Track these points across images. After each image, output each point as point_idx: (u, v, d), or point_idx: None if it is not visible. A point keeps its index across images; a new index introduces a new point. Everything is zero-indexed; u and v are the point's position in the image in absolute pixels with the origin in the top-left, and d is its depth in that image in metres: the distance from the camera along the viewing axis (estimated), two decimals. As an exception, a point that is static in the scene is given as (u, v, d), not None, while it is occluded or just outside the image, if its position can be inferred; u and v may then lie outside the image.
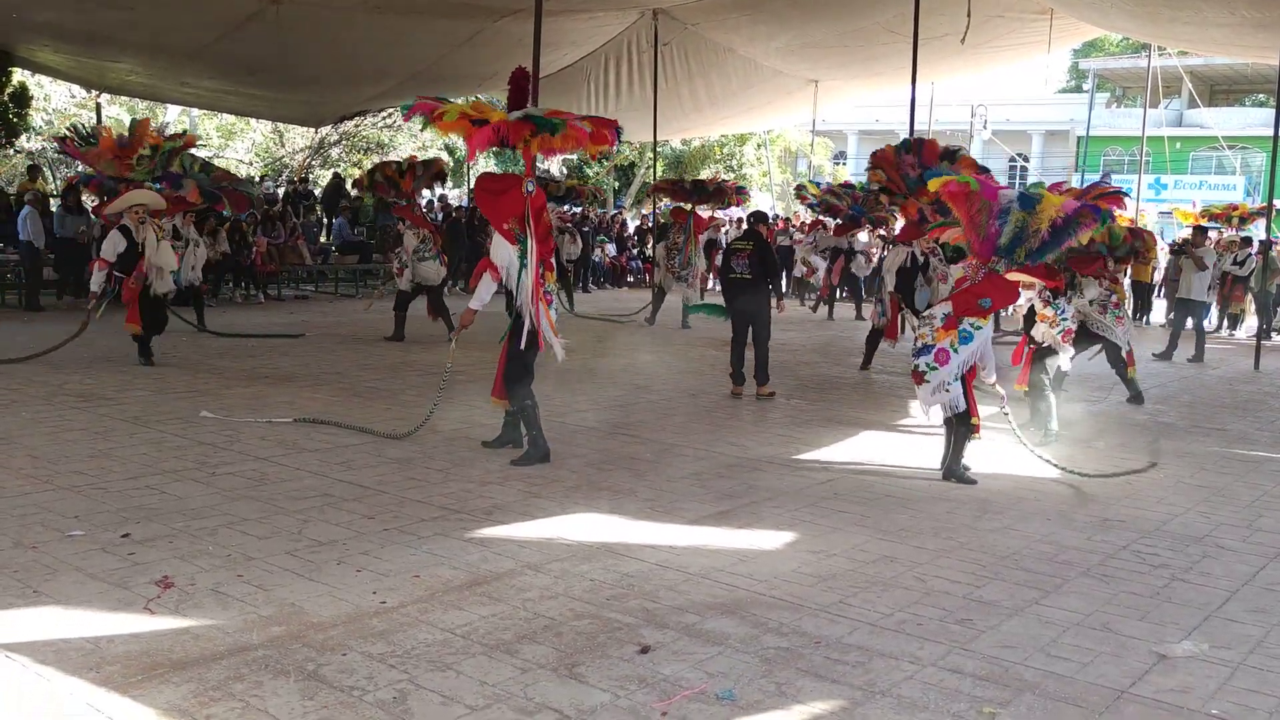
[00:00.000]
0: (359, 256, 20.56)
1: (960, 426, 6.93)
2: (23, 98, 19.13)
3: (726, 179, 18.28)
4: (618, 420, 8.54)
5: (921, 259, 11.16)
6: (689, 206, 15.61)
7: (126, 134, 10.93)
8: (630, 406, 9.22)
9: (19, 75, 19.04)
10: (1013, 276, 6.94)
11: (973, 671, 3.86)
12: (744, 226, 10.44)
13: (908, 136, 11.07)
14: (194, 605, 4.24)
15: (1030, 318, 8.27)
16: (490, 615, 4.24)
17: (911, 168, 10.62)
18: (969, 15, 14.14)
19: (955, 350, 6.75)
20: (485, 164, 30.81)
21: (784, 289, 10.52)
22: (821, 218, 18.34)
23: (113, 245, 9.63)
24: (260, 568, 4.71)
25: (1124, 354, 9.95)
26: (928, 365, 6.81)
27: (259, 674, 3.63)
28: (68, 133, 11.03)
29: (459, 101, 6.74)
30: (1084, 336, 10.05)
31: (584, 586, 4.62)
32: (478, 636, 4.02)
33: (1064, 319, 8.24)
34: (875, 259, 17.75)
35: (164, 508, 5.59)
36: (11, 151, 23.93)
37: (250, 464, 6.64)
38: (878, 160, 10.88)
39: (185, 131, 10.89)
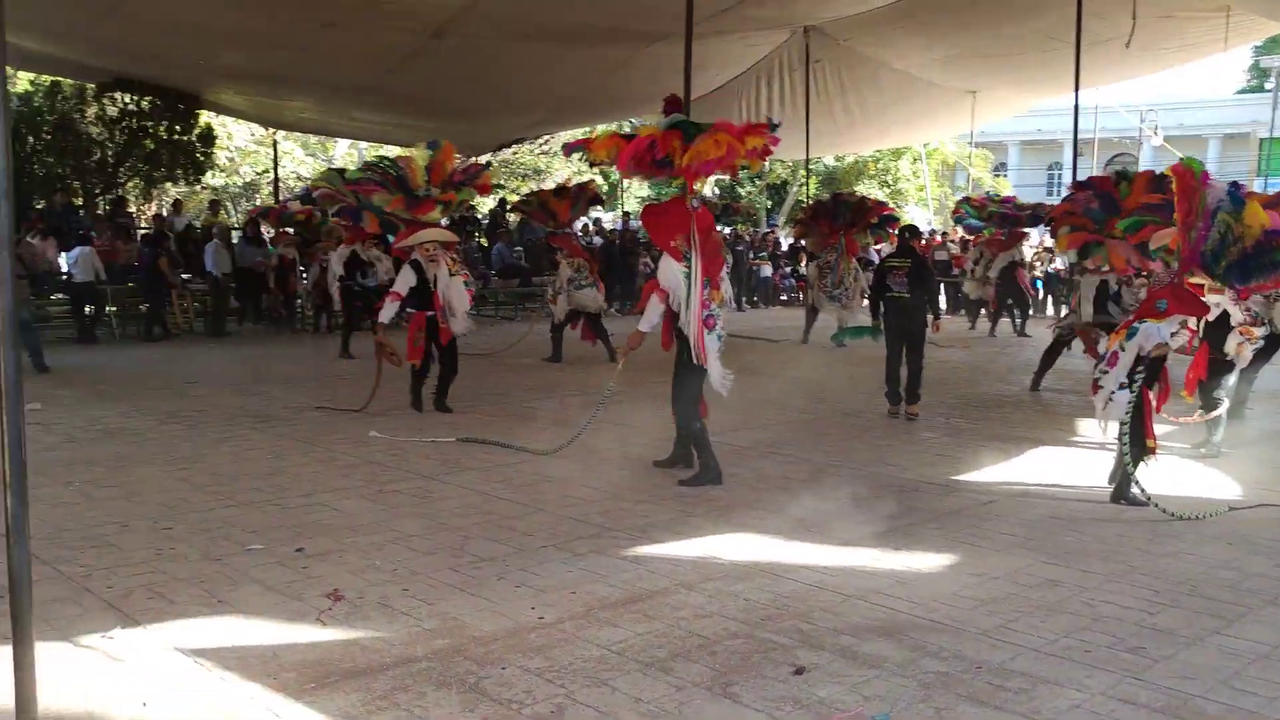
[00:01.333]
0: (519, 280, 21.04)
1: (1133, 447, 6.62)
2: (209, 137, 20.40)
3: (868, 197, 17.89)
4: (772, 440, 8.50)
5: (1115, 288, 10.59)
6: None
7: (426, 165, 9.73)
8: (784, 426, 9.16)
9: (205, 117, 20.30)
10: (1198, 282, 6.59)
11: (1147, 703, 3.68)
12: (899, 243, 10.17)
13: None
14: (362, 617, 4.41)
15: (1219, 327, 7.80)
16: (645, 633, 4.27)
17: (1090, 201, 10.21)
18: (1134, 18, 13.59)
19: (1123, 349, 6.50)
20: (640, 190, 31.15)
21: (940, 307, 10.15)
22: (992, 233, 17.65)
23: (405, 280, 9.16)
24: (424, 582, 4.86)
25: None
26: (1101, 371, 6.61)
27: (423, 685, 3.75)
28: (362, 172, 10.07)
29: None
30: (1264, 355, 9.50)
31: (738, 606, 4.61)
32: (633, 654, 4.06)
33: (1264, 336, 7.82)
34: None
35: (335, 524, 5.84)
36: (199, 188, 25.48)
37: (415, 482, 6.87)
38: (1061, 220, 10.45)
39: (489, 164, 10.17)
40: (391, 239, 14.44)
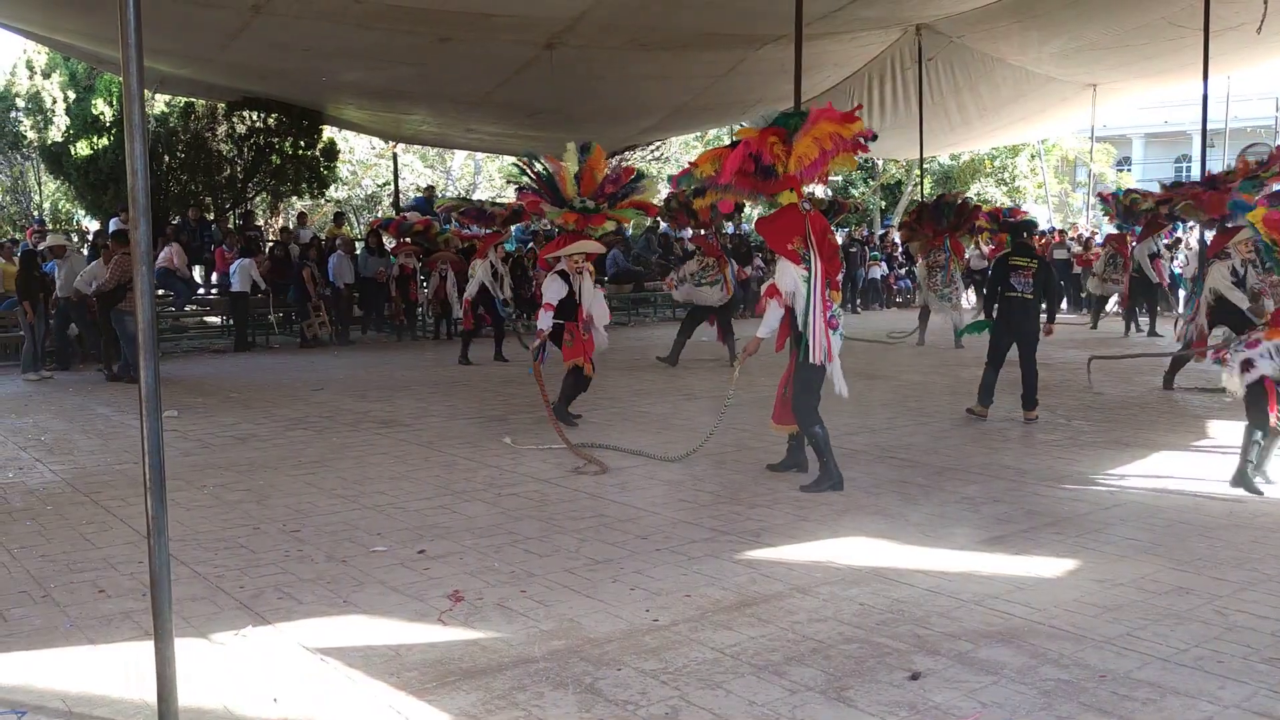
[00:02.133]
0: (633, 285, 21.18)
1: (1255, 428, 6.40)
2: (331, 152, 21.06)
3: (969, 198, 17.47)
4: (888, 443, 8.38)
5: (1241, 270, 10.22)
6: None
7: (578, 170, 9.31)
8: (901, 430, 9.03)
9: (328, 132, 20.97)
10: None
11: (1283, 715, 3.53)
12: (1019, 241, 9.82)
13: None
14: (481, 618, 4.50)
15: None
16: (759, 636, 4.26)
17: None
18: (1266, 2, 13.00)
19: (1274, 353, 6.36)
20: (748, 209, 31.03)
21: (1056, 310, 9.82)
22: (1119, 235, 17.08)
23: (555, 290, 8.84)
24: (541, 584, 4.94)
25: None
26: (1235, 349, 6.48)
27: (540, 685, 3.81)
28: (528, 178, 9.60)
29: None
30: None
31: (853, 610, 4.56)
32: (747, 657, 4.05)
33: None
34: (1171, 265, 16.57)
35: (455, 526, 5.97)
36: (323, 200, 26.31)
37: (532, 486, 6.98)
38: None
39: (641, 175, 9.74)
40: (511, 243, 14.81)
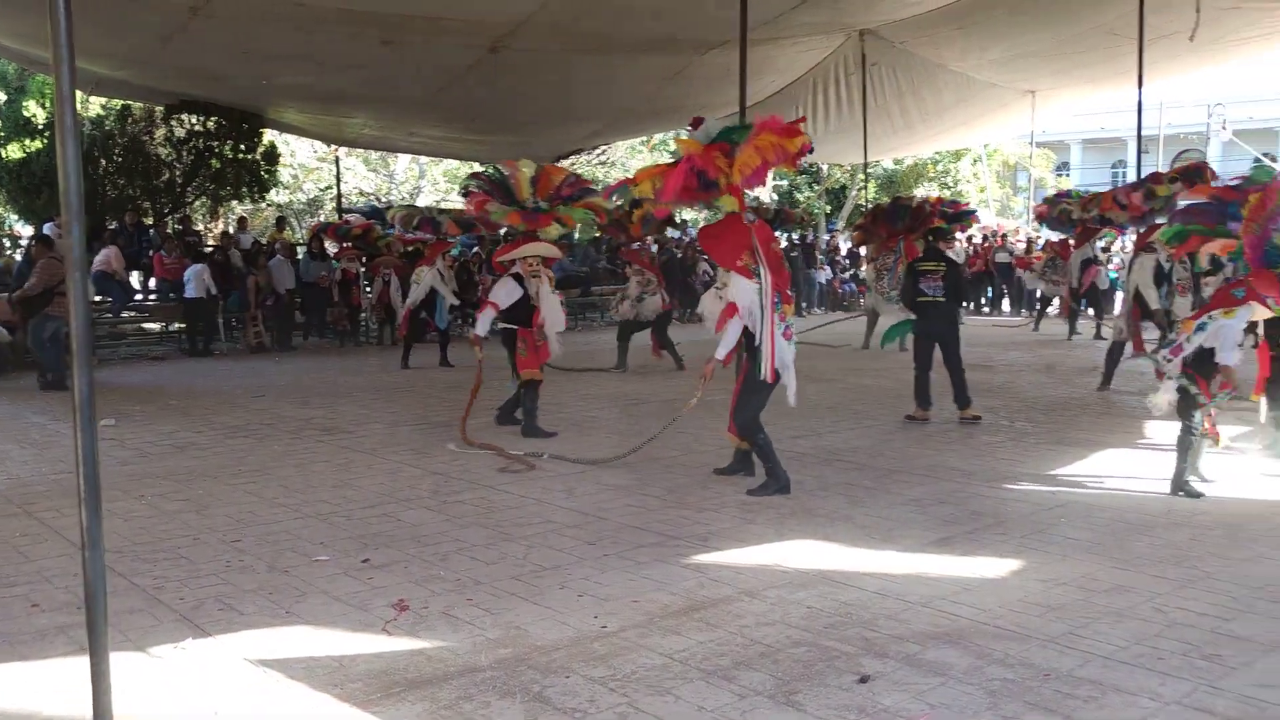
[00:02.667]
0: (580, 290, 21.13)
1: (1189, 435, 6.56)
2: (272, 155, 20.79)
3: (928, 198, 17.72)
4: (834, 446, 8.44)
5: (1168, 265, 10.47)
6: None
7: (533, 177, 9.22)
8: (847, 432, 9.10)
9: (269, 135, 20.70)
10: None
11: (1223, 712, 3.59)
12: (926, 245, 9.99)
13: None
14: (427, 627, 4.46)
15: (1277, 322, 7.62)
16: (707, 641, 4.26)
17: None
18: (1198, 11, 13.30)
19: (1188, 341, 6.55)
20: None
21: (967, 308, 10.06)
22: (1061, 239, 17.38)
23: (505, 292, 8.71)
24: (488, 592, 4.90)
25: None
26: (1164, 358, 6.66)
27: (487, 694, 3.77)
28: (472, 187, 9.39)
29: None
30: None
31: (801, 614, 4.58)
32: (695, 662, 4.05)
33: None
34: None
35: (399, 534, 5.90)
36: (264, 205, 25.97)
37: (478, 492, 6.92)
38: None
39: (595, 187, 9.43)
40: (455, 251, 14.70)
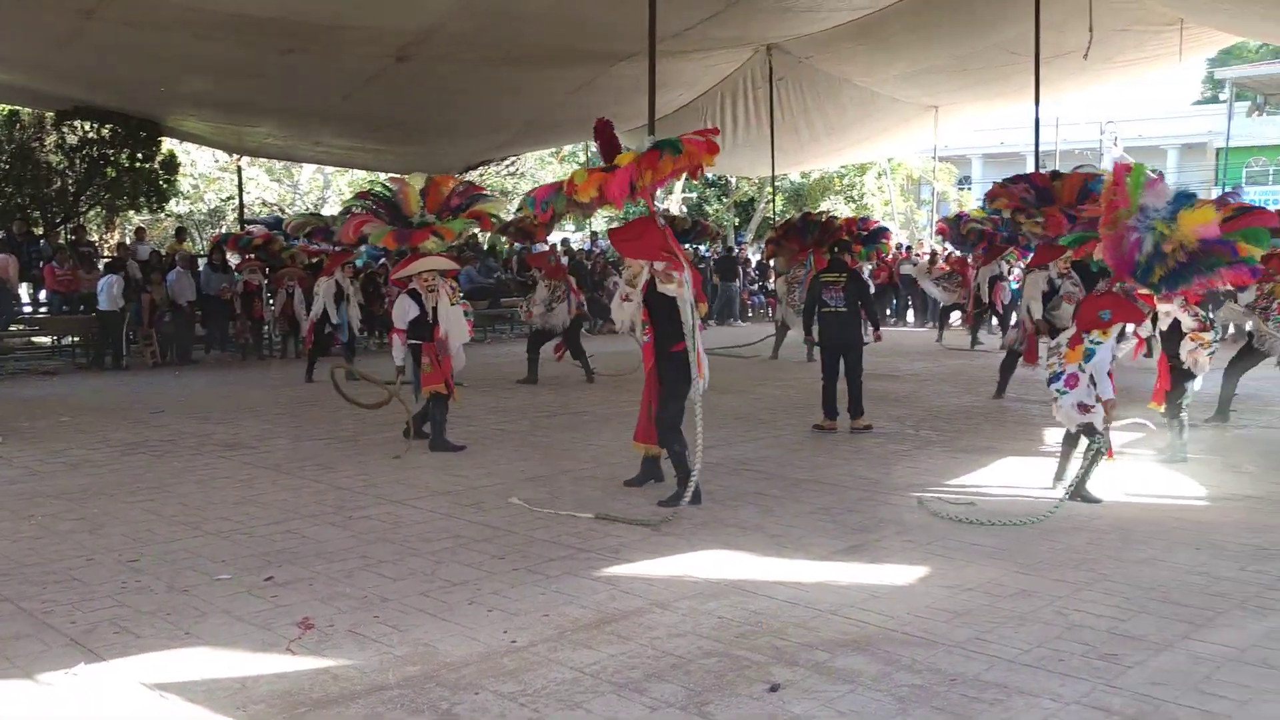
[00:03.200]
0: (488, 301, 20.98)
1: (1091, 446, 6.77)
2: (171, 164, 20.25)
3: (835, 215, 18.09)
4: (744, 456, 8.50)
5: (1058, 281, 10.80)
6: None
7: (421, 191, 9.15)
8: (757, 442, 9.17)
9: (167, 144, 20.17)
10: (1147, 291, 6.75)
11: (1120, 710, 3.69)
12: (830, 257, 10.16)
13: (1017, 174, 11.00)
14: (333, 646, 4.36)
15: (1173, 335, 7.92)
16: (619, 654, 4.25)
17: (1026, 192, 10.51)
18: (1091, 31, 13.78)
19: (1082, 370, 6.71)
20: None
21: (877, 318, 10.16)
22: (959, 257, 17.82)
23: (405, 312, 8.64)
24: (395, 608, 4.82)
25: None
26: (1059, 391, 6.83)
27: (395, 712, 3.71)
28: (366, 203, 9.30)
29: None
30: (1245, 358, 9.66)
31: (712, 624, 4.59)
32: (606, 675, 4.03)
33: (1216, 342, 7.93)
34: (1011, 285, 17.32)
35: (304, 551, 5.78)
36: (162, 215, 25.29)
37: (385, 508, 6.82)
38: (996, 191, 10.81)
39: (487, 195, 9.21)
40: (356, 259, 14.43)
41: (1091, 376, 6.67)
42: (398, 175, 9.10)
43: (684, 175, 6.75)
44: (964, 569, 5.40)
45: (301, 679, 4.02)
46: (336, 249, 13.40)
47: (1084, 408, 6.73)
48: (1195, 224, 6.26)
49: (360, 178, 33.12)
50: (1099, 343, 6.68)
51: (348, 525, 6.36)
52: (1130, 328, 7.06)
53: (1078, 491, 6.82)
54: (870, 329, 10.09)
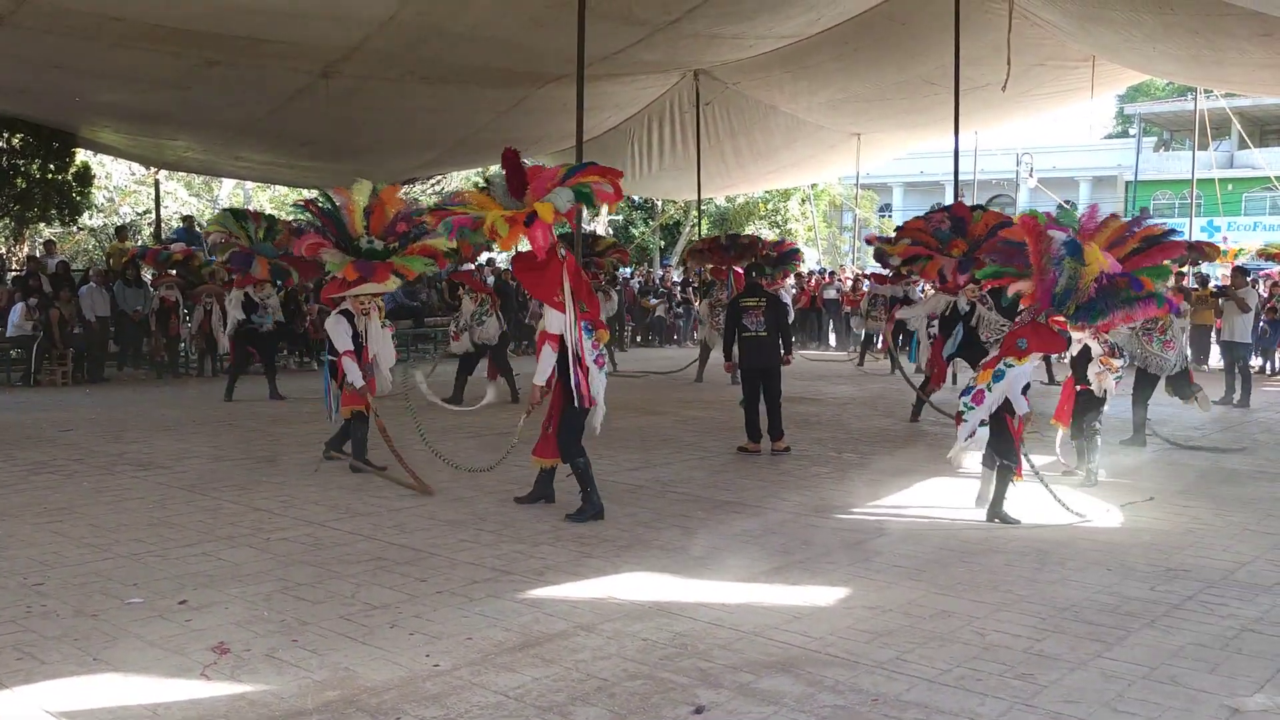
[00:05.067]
0: (412, 321, 20.76)
1: (1001, 466, 6.99)
2: (85, 176, 19.73)
3: (762, 238, 18.38)
4: (668, 478, 8.52)
5: (966, 307, 11.01)
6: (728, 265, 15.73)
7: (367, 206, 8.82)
8: (681, 464, 9.20)
9: (81, 155, 19.67)
10: (1061, 319, 7.10)
11: (1036, 728, 3.76)
12: (747, 281, 10.28)
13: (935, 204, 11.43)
14: (249, 671, 4.27)
15: (1082, 360, 8.15)
16: (543, 677, 4.22)
17: (942, 222, 10.87)
18: (1009, 64, 14.16)
19: (989, 389, 6.98)
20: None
21: (791, 342, 10.32)
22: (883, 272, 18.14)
23: (342, 334, 8.45)
24: (314, 632, 4.73)
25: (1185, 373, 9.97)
26: (965, 405, 7.10)
27: (313, 739, 3.63)
28: (297, 221, 9.14)
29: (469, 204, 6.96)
30: (1144, 382, 9.98)
31: (637, 646, 4.58)
32: (531, 699, 4.00)
33: (1123, 367, 8.24)
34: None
35: (220, 574, 5.65)
36: (75, 228, 24.62)
37: (304, 529, 6.70)
38: (905, 231, 11.25)
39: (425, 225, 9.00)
40: (279, 283, 14.18)
41: (996, 398, 6.96)
42: (340, 188, 8.69)
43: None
44: (885, 590, 5.46)
45: (217, 705, 3.92)
46: (244, 274, 13.09)
47: (958, 418, 7.16)
48: (1100, 260, 6.83)
49: (281, 194, 32.71)
50: (1012, 366, 6.97)
51: (266, 547, 6.24)
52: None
53: (994, 513, 7.01)
54: (785, 351, 10.16)
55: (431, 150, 20.03)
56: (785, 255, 16.20)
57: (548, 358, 6.92)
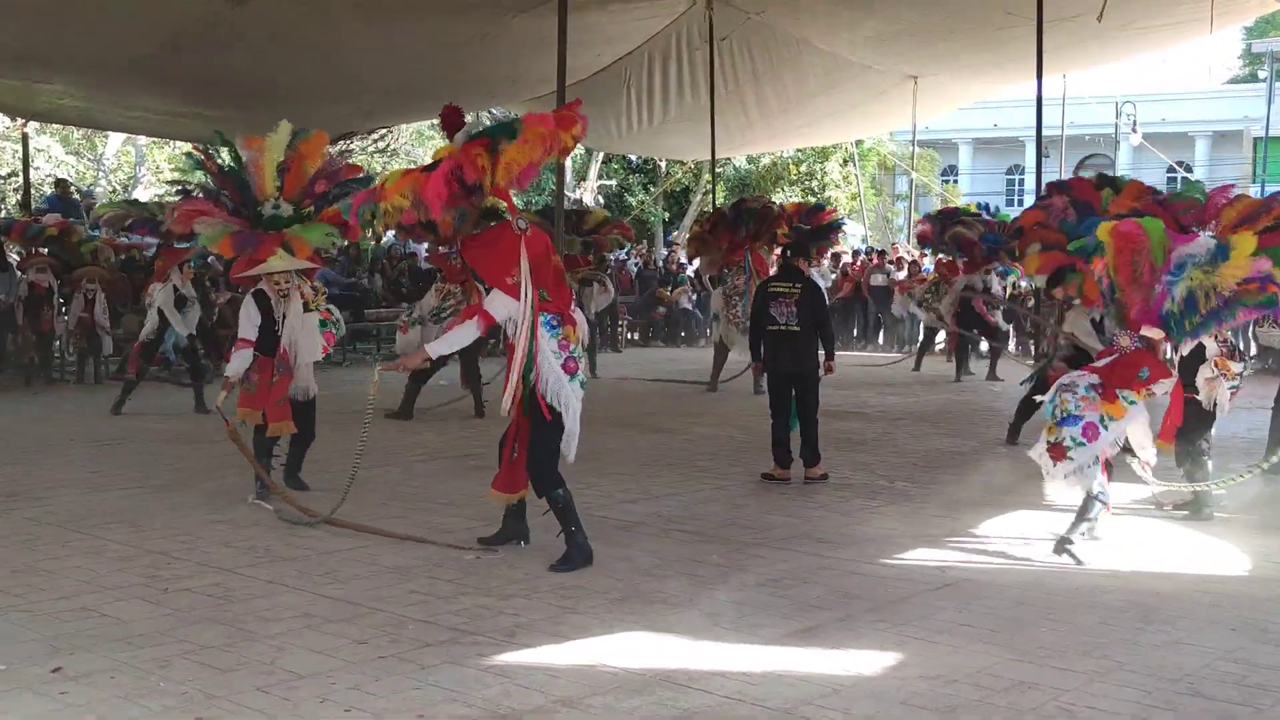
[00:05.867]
0: (350, 312, 20.77)
1: (1089, 497, 7.19)
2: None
3: (782, 203, 18.29)
4: (674, 513, 8.53)
5: (1098, 318, 11.02)
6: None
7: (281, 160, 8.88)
8: (691, 496, 9.22)
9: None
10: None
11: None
12: (781, 262, 10.30)
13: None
14: (141, 757, 4.28)
15: (1192, 362, 8.15)
16: (514, 765, 4.23)
17: (1065, 210, 10.72)
18: (1107, -11, 14.15)
19: (1106, 427, 7.01)
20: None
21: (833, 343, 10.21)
22: (950, 258, 18.13)
23: (250, 320, 8.59)
24: (224, 708, 4.74)
25: None
26: (1074, 440, 7.03)
27: (222, 844, 3.64)
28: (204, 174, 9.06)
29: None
30: None
31: (633, 726, 4.60)
32: (499, 793, 4.00)
33: (1242, 374, 8.21)
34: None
35: (104, 634, 5.66)
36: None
37: (211, 578, 6.71)
38: (1030, 232, 11.14)
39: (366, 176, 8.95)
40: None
41: (1114, 437, 7.07)
42: (252, 137, 8.64)
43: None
44: (948, 655, 5.47)
45: (99, 801, 3.92)
46: (164, 245, 13.13)
47: (1084, 470, 7.08)
48: (1235, 270, 6.84)
49: (182, 151, 32.72)
50: (1134, 402, 7.07)
51: (162, 600, 6.25)
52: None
53: (1062, 543, 7.18)
54: (824, 356, 10.06)
55: (369, 97, 20.01)
56: (822, 228, 16.13)
57: (463, 331, 6.97)
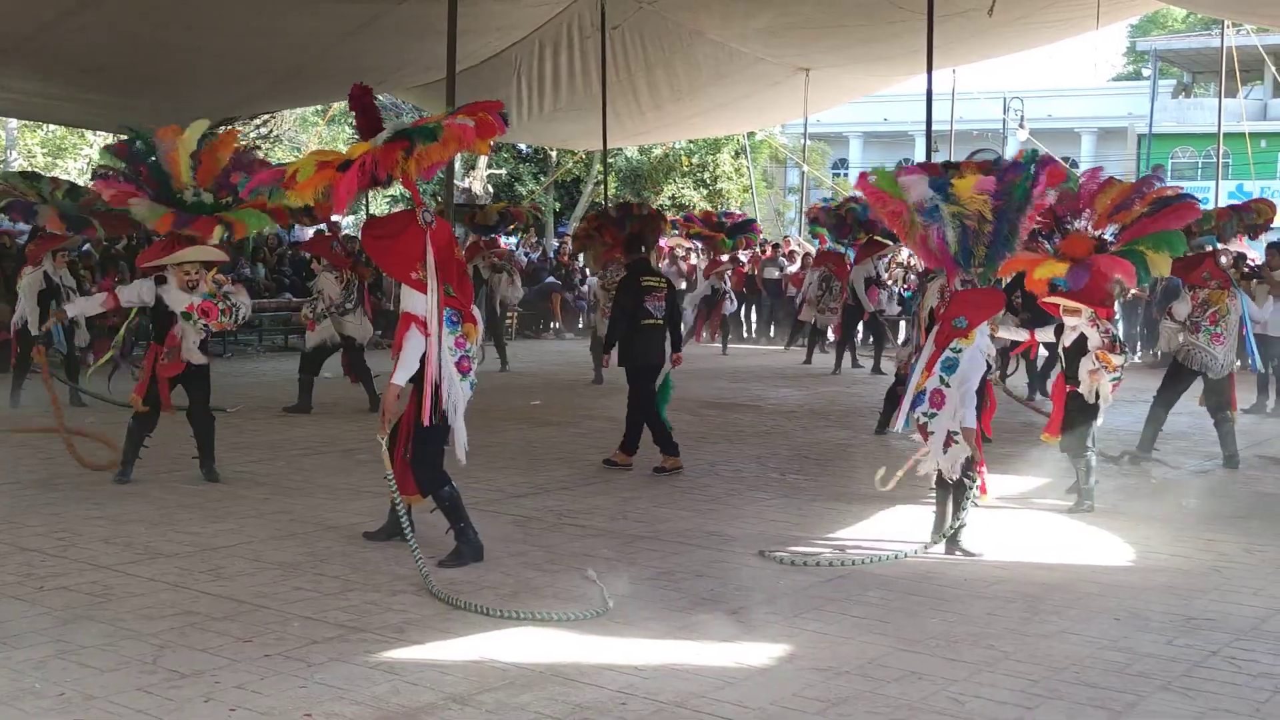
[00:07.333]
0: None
1: (958, 482, 7.25)
2: None
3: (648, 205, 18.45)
4: (565, 507, 8.55)
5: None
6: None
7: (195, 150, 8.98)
8: (581, 489, 9.23)
9: None
10: (1053, 301, 7.41)
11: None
12: (638, 258, 10.31)
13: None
14: (16, 761, 4.19)
15: (1076, 353, 8.32)
16: (404, 763, 4.22)
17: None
18: (998, -19, 14.43)
19: (946, 385, 7.11)
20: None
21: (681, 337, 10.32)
22: (836, 252, 18.36)
23: (135, 292, 8.80)
24: (103, 709, 4.66)
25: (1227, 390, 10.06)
26: (925, 415, 7.19)
27: None
28: (108, 167, 9.11)
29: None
30: (1178, 375, 10.22)
31: (525, 722, 4.60)
32: (388, 791, 3.99)
33: (1124, 367, 8.36)
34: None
35: (-25, 635, 5.53)
36: None
37: (89, 574, 6.59)
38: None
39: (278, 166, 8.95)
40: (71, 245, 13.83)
41: (962, 390, 7.09)
42: (166, 129, 8.73)
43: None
44: (839, 646, 5.56)
45: (-28, 807, 3.84)
46: (44, 232, 12.78)
47: (950, 439, 7.15)
48: (970, 184, 6.95)
49: (55, 135, 31.94)
50: (960, 350, 7.09)
51: (38, 599, 6.13)
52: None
53: (953, 541, 7.21)
54: (674, 348, 10.17)
55: (256, 81, 19.71)
56: (740, 225, 16.25)
57: (413, 347, 6.69)
